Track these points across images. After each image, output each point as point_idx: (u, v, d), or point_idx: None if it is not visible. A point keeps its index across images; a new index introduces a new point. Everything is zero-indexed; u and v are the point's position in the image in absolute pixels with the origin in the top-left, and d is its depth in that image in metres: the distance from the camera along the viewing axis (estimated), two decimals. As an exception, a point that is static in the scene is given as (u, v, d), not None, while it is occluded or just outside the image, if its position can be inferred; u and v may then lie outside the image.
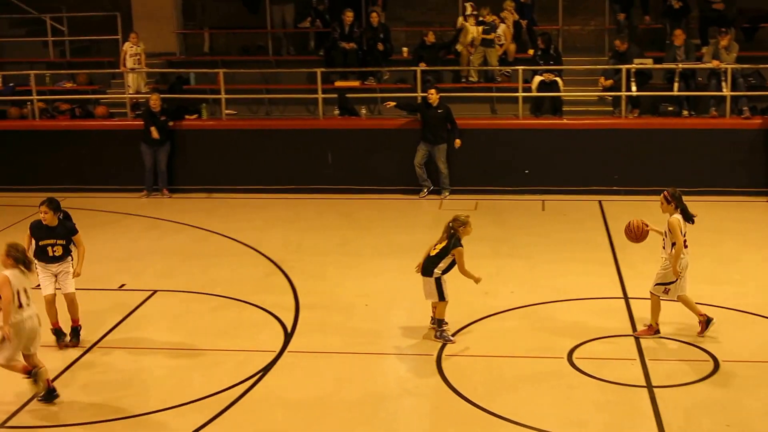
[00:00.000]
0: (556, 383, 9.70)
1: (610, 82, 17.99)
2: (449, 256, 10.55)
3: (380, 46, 19.29)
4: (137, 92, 19.51)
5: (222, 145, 18.48)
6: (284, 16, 21.01)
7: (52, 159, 18.87)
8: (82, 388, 9.87)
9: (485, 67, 19.05)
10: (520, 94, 17.97)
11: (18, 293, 9.11)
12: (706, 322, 10.60)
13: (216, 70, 19.24)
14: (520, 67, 18.15)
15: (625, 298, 12.06)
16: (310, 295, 12.49)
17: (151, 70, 20.10)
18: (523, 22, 19.92)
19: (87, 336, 11.16)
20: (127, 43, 19.63)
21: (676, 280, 10.40)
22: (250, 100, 19.78)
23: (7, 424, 9.13)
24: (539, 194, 17.51)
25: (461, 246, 10.56)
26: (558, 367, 10.06)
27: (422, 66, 18.44)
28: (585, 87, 18.86)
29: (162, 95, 18.30)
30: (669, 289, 10.48)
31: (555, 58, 18.49)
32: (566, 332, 10.88)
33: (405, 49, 20.06)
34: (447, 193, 17.72)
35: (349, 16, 19.48)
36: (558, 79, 18.18)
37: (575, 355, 10.31)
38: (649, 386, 9.52)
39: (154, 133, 17.73)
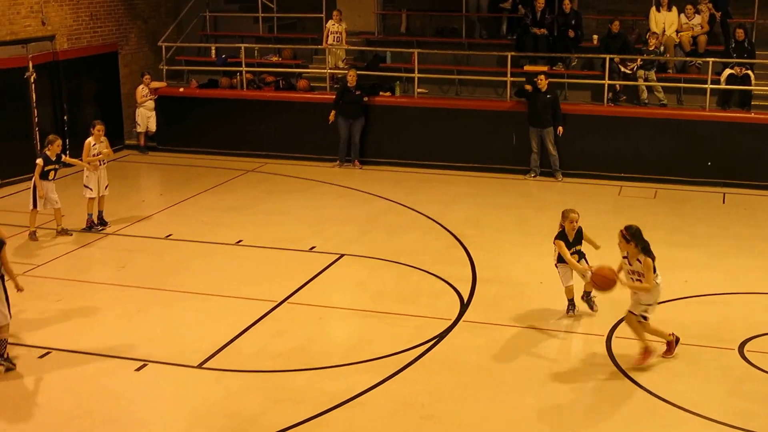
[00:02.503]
0: (725, 374, 9.44)
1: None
2: (555, 246, 10.62)
3: (571, 33, 19.02)
4: (335, 68, 19.97)
5: (412, 122, 18.71)
6: (479, 1, 20.98)
7: (256, 127, 19.60)
8: (271, 340, 10.30)
9: (673, 58, 18.50)
10: (709, 86, 17.36)
11: None
12: (646, 353, 9.59)
13: (411, 50, 19.45)
14: (711, 59, 17.53)
15: (804, 295, 11.58)
16: (487, 269, 12.56)
17: (350, 47, 20.50)
18: (717, 14, 19.19)
19: (277, 293, 11.63)
20: (330, 21, 20.07)
21: (652, 304, 9.54)
22: (442, 80, 19.89)
23: (204, 366, 9.66)
24: (721, 187, 16.90)
25: (559, 239, 10.52)
26: (728, 358, 9.79)
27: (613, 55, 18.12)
28: (777, 82, 18.05)
29: (359, 72, 18.73)
30: (650, 309, 9.56)
31: (749, 51, 17.75)
32: (739, 324, 10.55)
33: (595, 36, 19.67)
34: (560, 176, 17.64)
35: (541, 2, 19.28)
36: (750, 72, 17.47)
37: (747, 347, 9.99)
38: (822, 385, 9.16)
39: (332, 116, 18.23)
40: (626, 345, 10.00)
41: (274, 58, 21.15)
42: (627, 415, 8.65)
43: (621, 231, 9.48)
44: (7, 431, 8.47)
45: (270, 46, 21.52)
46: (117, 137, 20.06)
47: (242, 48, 20.22)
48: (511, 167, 17.94)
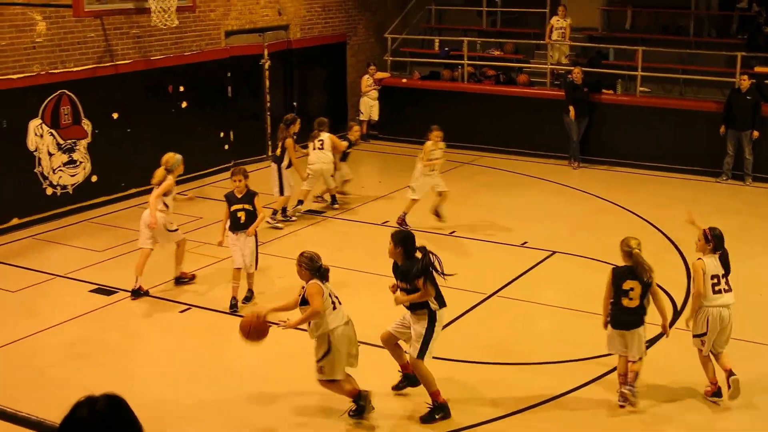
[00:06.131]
0: None
1: None
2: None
3: (808, 34, 17.96)
4: (557, 64, 19.71)
5: (633, 121, 18.20)
6: (710, -2, 20.18)
7: (474, 119, 19.66)
8: (478, 331, 10.35)
9: None
10: None
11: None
12: (713, 392, 8.73)
13: (635, 48, 18.91)
14: None
15: None
16: (703, 276, 12.03)
17: (573, 43, 20.18)
18: None
19: (487, 285, 11.61)
20: (554, 17, 19.83)
21: (706, 332, 8.62)
22: (666, 79, 19.25)
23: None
24: None
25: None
26: None
27: None
28: None
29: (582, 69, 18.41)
30: (704, 341, 8.65)
31: None
32: None
33: (835, 38, 18.49)
34: (750, 180, 16.88)
35: (776, 1, 18.33)
36: None
37: None
38: None
39: (572, 113, 17.83)
40: None
41: (496, 52, 21.14)
42: None
43: (704, 230, 8.75)
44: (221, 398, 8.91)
45: (492, 40, 21.54)
46: (341, 124, 20.64)
47: (465, 41, 20.35)
48: (732, 172, 17.16)
